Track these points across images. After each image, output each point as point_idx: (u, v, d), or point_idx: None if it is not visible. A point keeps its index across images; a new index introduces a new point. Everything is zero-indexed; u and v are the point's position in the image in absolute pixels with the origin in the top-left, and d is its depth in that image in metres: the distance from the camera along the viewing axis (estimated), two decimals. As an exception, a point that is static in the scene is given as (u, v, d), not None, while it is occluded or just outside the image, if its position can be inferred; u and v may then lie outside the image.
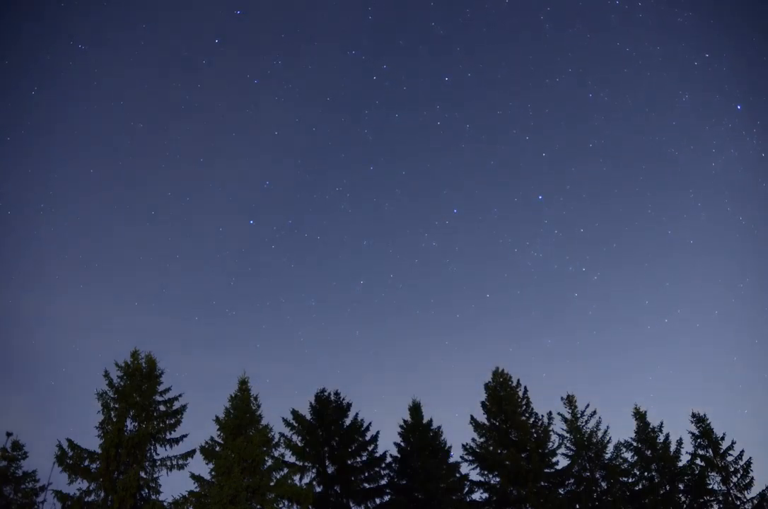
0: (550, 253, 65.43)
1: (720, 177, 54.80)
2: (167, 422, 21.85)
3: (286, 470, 22.17)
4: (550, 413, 28.53)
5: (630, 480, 27.23)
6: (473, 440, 27.85)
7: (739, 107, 48.64)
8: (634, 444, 28.03)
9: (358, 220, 71.49)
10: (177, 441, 21.66)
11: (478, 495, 26.73)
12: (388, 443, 31.27)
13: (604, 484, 26.96)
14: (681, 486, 26.47)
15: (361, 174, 74.27)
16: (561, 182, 68.29)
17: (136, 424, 21.19)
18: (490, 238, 69.09)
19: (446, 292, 69.95)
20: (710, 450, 26.90)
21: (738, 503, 25.28)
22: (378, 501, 25.63)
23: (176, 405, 22.36)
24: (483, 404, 28.71)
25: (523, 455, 26.40)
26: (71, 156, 63.41)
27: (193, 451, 21.61)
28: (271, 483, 20.81)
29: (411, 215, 73.39)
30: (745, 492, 25.53)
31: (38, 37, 55.77)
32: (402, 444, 27.83)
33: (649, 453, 27.58)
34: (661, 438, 27.85)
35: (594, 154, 66.06)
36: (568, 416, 28.96)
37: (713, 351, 60.12)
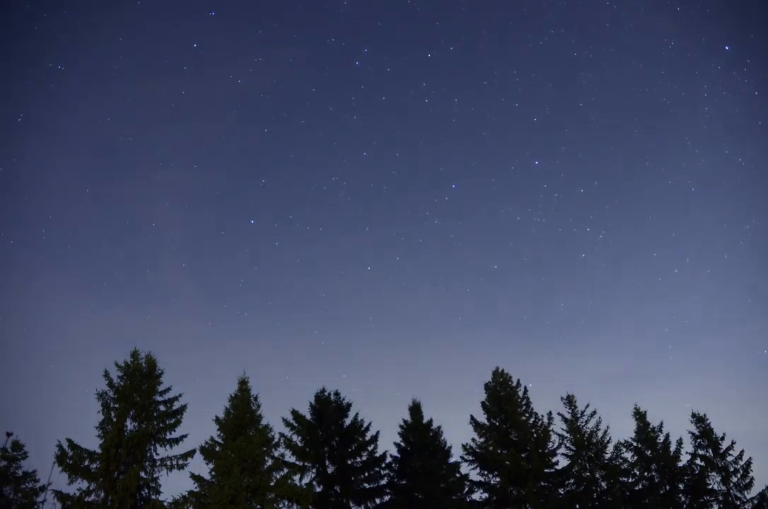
0: (552, 217, 65.63)
1: (714, 120, 54.59)
2: (167, 422, 21.81)
3: (286, 470, 22.16)
4: (550, 413, 28.58)
5: (630, 480, 27.23)
6: (473, 440, 27.86)
7: (727, 48, 48.21)
8: (634, 444, 28.03)
9: (357, 207, 71.77)
10: (177, 441, 21.60)
11: (478, 495, 26.80)
12: (388, 443, 31.28)
13: (604, 484, 26.95)
14: (681, 486, 26.47)
15: (355, 161, 74.16)
16: (555, 145, 68.43)
17: (136, 424, 21.15)
18: (491, 208, 69.44)
19: (454, 268, 70.37)
20: (710, 450, 26.89)
21: (738, 503, 25.28)
22: (378, 501, 25.59)
23: (176, 405, 22.34)
24: (483, 404, 28.70)
25: (523, 455, 26.39)
26: (66, 178, 63.74)
27: (193, 451, 21.59)
28: (271, 483, 20.82)
29: (410, 195, 73.53)
30: (745, 492, 25.55)
31: (16, 64, 55.70)
32: (402, 444, 27.81)
33: (649, 453, 27.58)
34: (661, 438, 27.88)
35: (585, 113, 66.23)
36: (568, 416, 28.97)
37: (727, 296, 60.12)
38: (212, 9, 62.46)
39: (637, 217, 65.75)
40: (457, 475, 26.81)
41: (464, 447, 27.69)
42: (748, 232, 54.42)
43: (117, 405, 21.22)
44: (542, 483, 25.97)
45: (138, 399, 21.59)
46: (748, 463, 26.10)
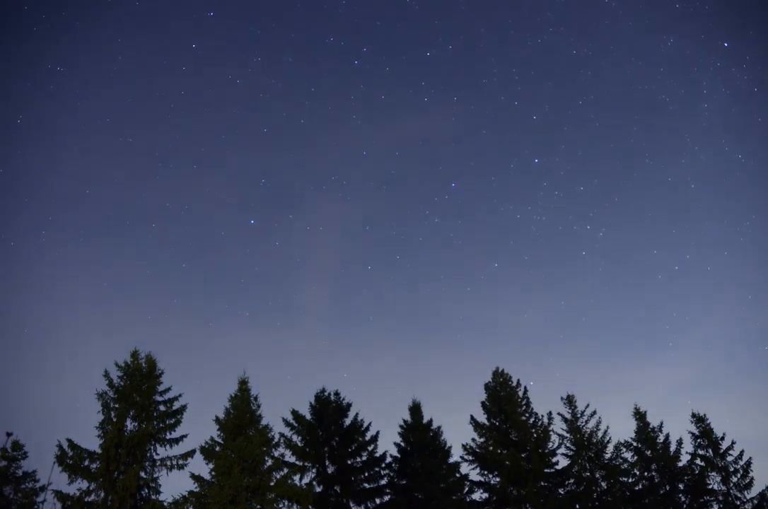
0: (552, 215, 65.53)
1: (714, 117, 54.57)
2: (167, 422, 21.80)
3: (286, 470, 22.15)
4: (550, 413, 28.58)
5: (630, 480, 27.22)
6: (473, 440, 27.85)
7: (726, 45, 48.09)
8: (634, 444, 28.02)
9: (357, 207, 71.69)
10: (177, 441, 21.59)
11: (478, 495, 26.79)
12: (388, 443, 31.27)
13: (604, 484, 26.94)
14: (681, 486, 26.46)
15: (354, 160, 74.16)
16: (555, 143, 68.44)
17: (136, 424, 21.14)
18: (491, 207, 69.43)
19: (454, 267, 70.39)
20: (710, 450, 26.89)
21: (738, 503, 25.27)
22: (378, 501, 25.59)
23: (176, 405, 22.32)
24: (483, 404, 28.69)
25: (523, 455, 26.38)
26: (66, 178, 63.59)
27: (193, 451, 21.58)
28: (271, 483, 20.81)
29: (410, 194, 73.56)
30: (745, 492, 25.54)
31: (16, 64, 55.59)
32: (402, 444, 27.80)
33: (649, 453, 27.57)
34: (661, 438, 27.87)
35: (584, 111, 66.18)
36: (568, 416, 28.96)
37: (727, 293, 60.07)
38: (211, 9, 62.39)
39: (637, 215, 65.96)
40: (457, 475, 26.80)
41: (464, 447, 27.70)
42: (748, 229, 54.53)
43: (117, 405, 21.20)
44: (542, 483, 25.96)
45: (138, 399, 21.58)
46: (748, 463, 26.10)
